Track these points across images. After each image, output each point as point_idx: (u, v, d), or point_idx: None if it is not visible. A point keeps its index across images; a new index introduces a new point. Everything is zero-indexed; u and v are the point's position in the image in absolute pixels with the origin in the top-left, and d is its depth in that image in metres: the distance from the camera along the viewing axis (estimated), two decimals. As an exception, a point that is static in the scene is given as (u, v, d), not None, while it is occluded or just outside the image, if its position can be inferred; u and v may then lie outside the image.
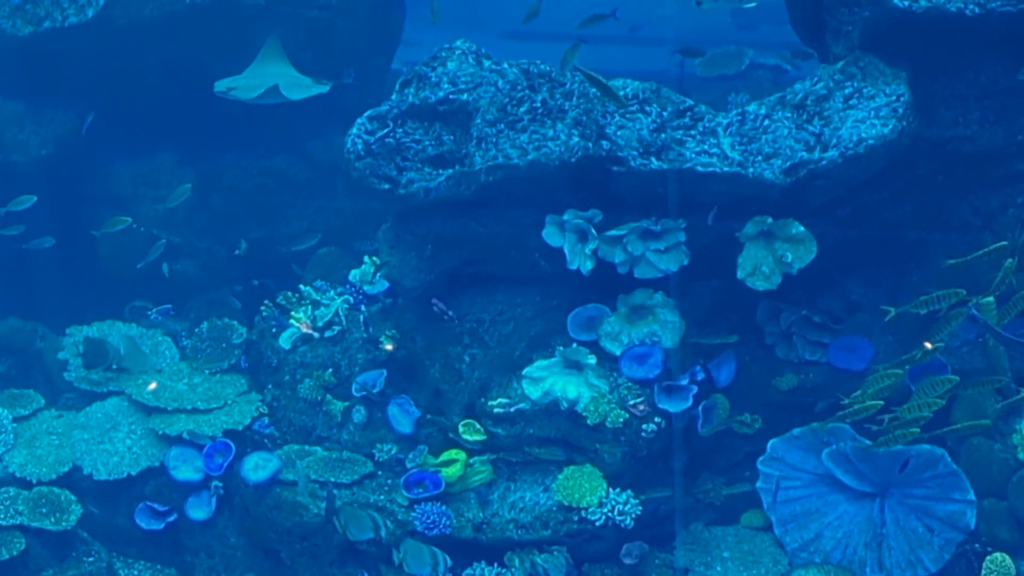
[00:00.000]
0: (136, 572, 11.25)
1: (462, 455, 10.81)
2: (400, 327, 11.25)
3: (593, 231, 10.30)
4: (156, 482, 11.26)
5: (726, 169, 10.03)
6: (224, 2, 12.22)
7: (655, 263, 10.37)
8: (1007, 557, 10.12)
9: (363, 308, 11.56)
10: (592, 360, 10.65)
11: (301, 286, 11.81)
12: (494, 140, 10.18)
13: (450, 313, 10.89)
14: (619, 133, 10.20)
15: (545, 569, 10.46)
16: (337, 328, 11.51)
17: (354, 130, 10.64)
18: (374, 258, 11.63)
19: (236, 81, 11.47)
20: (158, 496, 11.25)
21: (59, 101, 12.26)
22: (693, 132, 10.29)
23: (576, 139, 10.06)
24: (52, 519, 10.89)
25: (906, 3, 9.73)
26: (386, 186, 10.50)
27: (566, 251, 10.37)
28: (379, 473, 10.94)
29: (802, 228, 10.23)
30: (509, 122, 10.25)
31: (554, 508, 10.61)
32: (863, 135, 9.90)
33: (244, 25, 12.47)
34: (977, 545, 10.28)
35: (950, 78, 10.21)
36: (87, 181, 12.62)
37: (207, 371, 11.85)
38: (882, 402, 9.89)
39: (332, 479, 10.79)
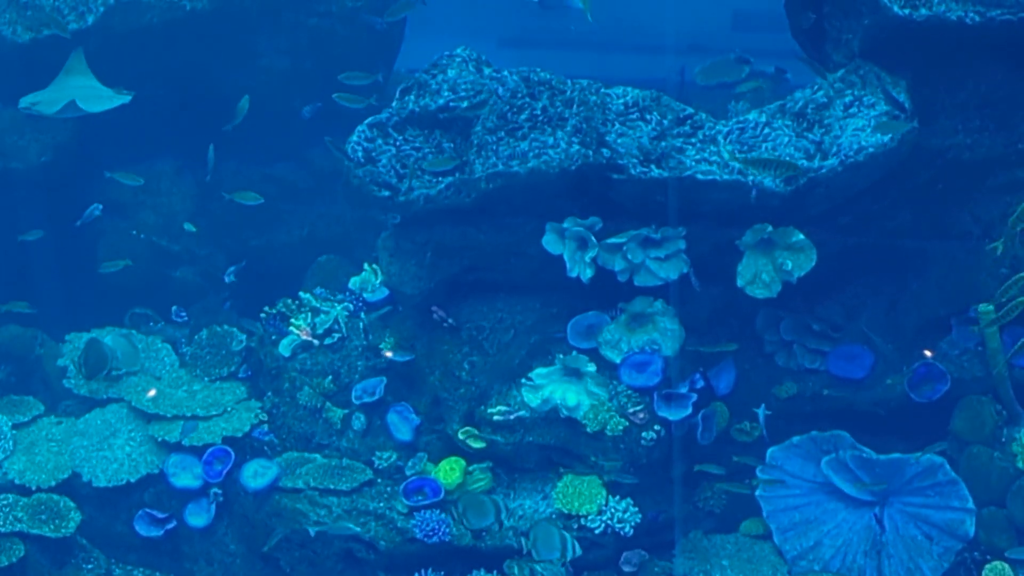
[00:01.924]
0: (135, 579, 11.31)
1: (461, 462, 10.81)
2: (400, 335, 11.24)
3: (593, 239, 10.30)
4: (155, 489, 11.25)
5: (726, 177, 10.04)
6: (224, 9, 12.21)
7: (655, 271, 10.37)
8: (1006, 566, 10.14)
9: (363, 315, 11.55)
10: (592, 368, 10.66)
11: (301, 293, 11.81)
12: (494, 148, 10.19)
13: (450, 320, 10.89)
14: (619, 141, 10.21)
15: (544, 577, 10.49)
16: (337, 335, 11.52)
17: (354, 137, 10.65)
18: (374, 265, 11.64)
19: (38, 96, 11.44)
20: (157, 503, 11.23)
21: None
22: (693, 140, 10.30)
23: (576, 147, 10.06)
24: (51, 526, 10.86)
25: (906, 11, 9.75)
26: (386, 193, 10.50)
27: (566, 259, 10.38)
28: (379, 480, 10.93)
29: (802, 236, 10.24)
30: (509, 129, 10.25)
31: (553, 516, 10.61)
32: (863, 143, 9.91)
33: (244, 32, 12.47)
34: (976, 553, 10.32)
35: (950, 86, 10.23)
36: (87, 188, 12.59)
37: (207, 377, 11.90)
38: None
39: (332, 486, 10.80)
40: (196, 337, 12.05)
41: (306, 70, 12.69)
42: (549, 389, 10.64)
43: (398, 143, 10.62)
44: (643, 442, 10.56)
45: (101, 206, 12.12)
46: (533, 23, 15.40)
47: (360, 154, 10.55)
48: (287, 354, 11.52)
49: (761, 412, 10.61)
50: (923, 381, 10.58)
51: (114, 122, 12.12)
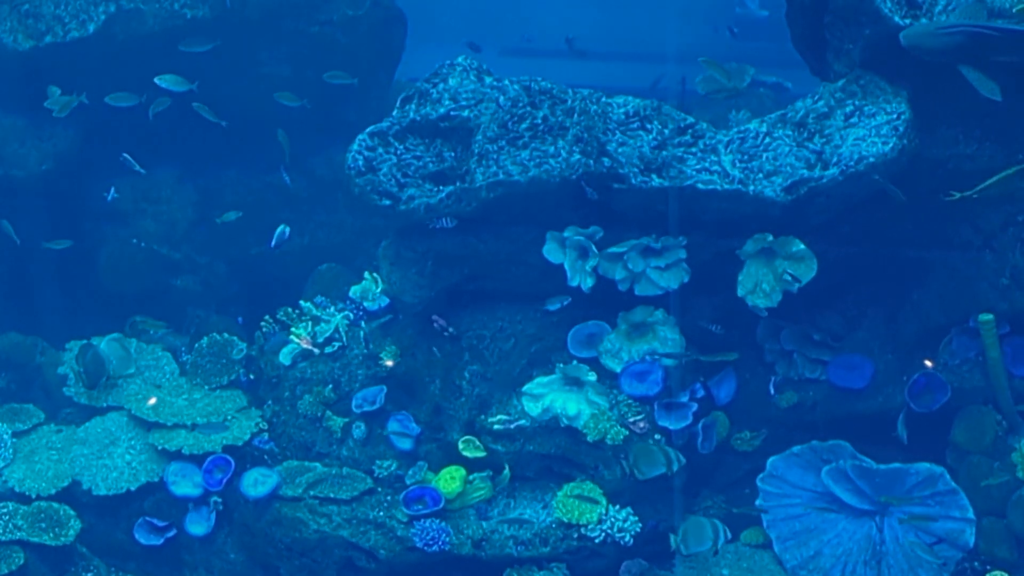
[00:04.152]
0: (135, 587, 11.30)
1: (461, 471, 10.81)
2: (400, 343, 11.24)
3: (594, 248, 10.31)
4: (155, 497, 11.25)
5: (727, 187, 10.04)
6: (225, 18, 12.23)
7: (656, 280, 10.38)
8: None
9: (363, 324, 11.55)
10: (592, 377, 10.66)
11: (301, 302, 11.81)
12: (495, 157, 10.19)
13: (450, 330, 10.90)
14: (620, 150, 10.21)
15: (545, 586, 10.49)
16: (337, 344, 11.51)
17: (355, 146, 10.62)
18: (374, 274, 11.64)
19: None
20: (157, 511, 11.23)
21: (59, 116, 12.25)
22: (694, 149, 10.30)
23: (577, 156, 10.07)
24: (51, 534, 10.86)
25: (908, 21, 9.74)
26: (387, 202, 10.50)
27: (567, 268, 10.39)
28: (379, 489, 10.93)
29: (803, 246, 10.24)
30: (510, 139, 10.26)
31: (553, 525, 10.60)
32: (864, 153, 9.91)
33: (246, 41, 12.48)
34: (976, 563, 10.31)
35: (951, 96, 10.20)
36: (87, 196, 12.62)
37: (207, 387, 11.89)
38: None
39: (332, 495, 10.80)
40: (196, 345, 12.05)
41: (307, 78, 12.69)
42: (549, 398, 10.65)
43: (399, 152, 10.61)
44: (643, 451, 10.58)
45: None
46: (534, 32, 15.45)
47: (361, 163, 10.54)
48: (287, 363, 11.52)
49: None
50: (923, 391, 10.59)
51: (115, 130, 12.15)
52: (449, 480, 10.73)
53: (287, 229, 12.15)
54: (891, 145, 9.90)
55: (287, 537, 10.80)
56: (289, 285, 12.59)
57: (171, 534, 11.16)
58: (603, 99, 10.52)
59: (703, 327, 10.78)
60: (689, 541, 10.32)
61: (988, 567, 10.26)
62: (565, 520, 10.55)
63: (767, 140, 10.28)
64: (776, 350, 10.97)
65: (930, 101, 10.15)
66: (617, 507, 10.59)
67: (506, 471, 10.79)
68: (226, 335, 12.07)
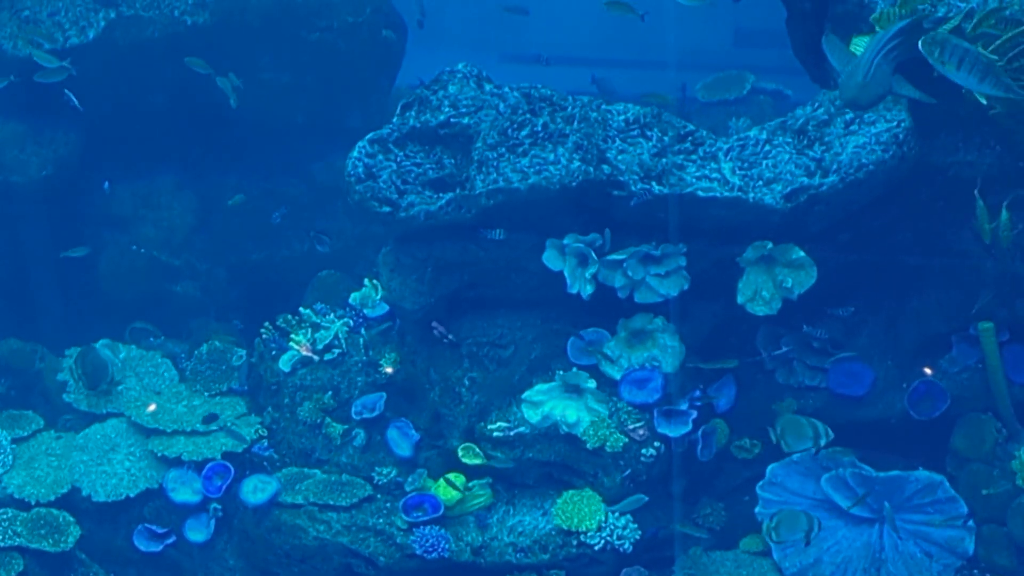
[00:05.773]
0: (134, 594, 11.30)
1: (461, 478, 10.80)
2: (400, 350, 11.24)
3: (593, 255, 10.30)
4: (155, 504, 11.25)
5: (727, 194, 10.04)
6: (226, 24, 12.24)
7: (655, 288, 10.37)
8: (1006, 583, 10.16)
9: (363, 331, 11.56)
10: (592, 384, 10.65)
11: (301, 309, 11.81)
12: (495, 164, 10.19)
13: (450, 336, 10.89)
14: (620, 157, 10.21)
15: (544, 592, 10.48)
16: (337, 351, 11.51)
17: (355, 153, 10.61)
18: (374, 281, 11.64)
19: None
20: (157, 518, 11.23)
21: (60, 122, 12.25)
22: (694, 157, 10.30)
23: (577, 163, 10.07)
24: (50, 540, 10.86)
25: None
26: (386, 209, 10.50)
27: (566, 275, 10.38)
28: (378, 496, 10.93)
29: (802, 253, 10.23)
30: (510, 146, 10.25)
31: (553, 532, 10.59)
32: (864, 160, 9.91)
33: (247, 47, 12.49)
34: (976, 571, 10.32)
35: (952, 103, 10.19)
36: (87, 202, 12.62)
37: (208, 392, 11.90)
38: None
39: (331, 502, 10.80)
40: (196, 352, 12.07)
41: (308, 85, 12.70)
42: (549, 405, 10.63)
43: (399, 159, 10.61)
44: (643, 458, 10.55)
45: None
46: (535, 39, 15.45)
47: (360, 169, 10.54)
48: (287, 369, 11.52)
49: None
50: (923, 399, 10.59)
51: (115, 136, 12.17)
52: (448, 487, 10.72)
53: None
54: (891, 153, 9.90)
55: (286, 544, 10.80)
56: (289, 291, 12.60)
57: (170, 541, 11.16)
58: (603, 106, 10.53)
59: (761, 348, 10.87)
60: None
61: (988, 574, 10.25)
62: (565, 527, 10.54)
63: (767, 147, 10.28)
64: (776, 357, 10.95)
65: (930, 108, 10.13)
66: (616, 514, 10.58)
67: (488, 493, 10.84)
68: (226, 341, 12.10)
